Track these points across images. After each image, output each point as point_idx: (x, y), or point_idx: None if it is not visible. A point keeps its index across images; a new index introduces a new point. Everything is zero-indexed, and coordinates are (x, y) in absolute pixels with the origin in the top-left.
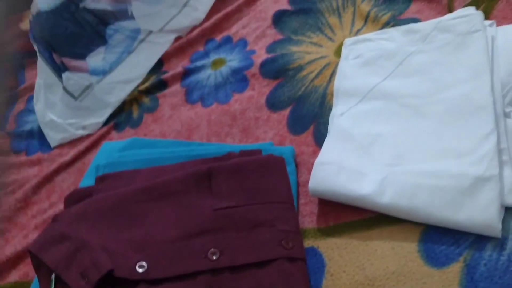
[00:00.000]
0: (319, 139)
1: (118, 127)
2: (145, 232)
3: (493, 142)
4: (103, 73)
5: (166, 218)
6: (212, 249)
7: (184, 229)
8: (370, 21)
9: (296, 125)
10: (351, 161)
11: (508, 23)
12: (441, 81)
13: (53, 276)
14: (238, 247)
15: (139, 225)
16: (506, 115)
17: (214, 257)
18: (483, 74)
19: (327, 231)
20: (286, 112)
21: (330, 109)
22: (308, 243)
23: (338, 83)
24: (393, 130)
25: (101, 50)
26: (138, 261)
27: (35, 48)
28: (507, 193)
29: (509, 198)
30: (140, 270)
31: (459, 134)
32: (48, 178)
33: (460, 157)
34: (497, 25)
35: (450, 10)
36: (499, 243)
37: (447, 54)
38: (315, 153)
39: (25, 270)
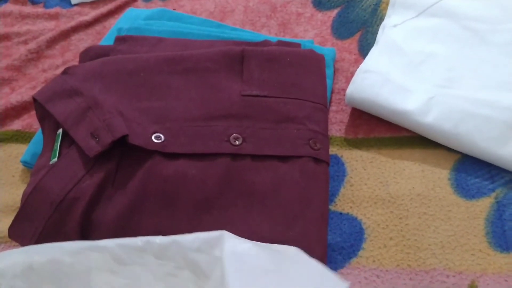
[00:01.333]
0: (365, 48)
1: None
2: (166, 105)
3: None
4: None
5: (189, 94)
6: (235, 135)
7: (208, 109)
8: None
9: (342, 29)
10: (397, 75)
11: None
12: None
13: (59, 131)
14: (263, 138)
15: (159, 97)
16: None
17: (237, 142)
18: None
19: (354, 142)
20: (333, 13)
21: (382, 19)
22: (332, 150)
23: None
24: (450, 52)
25: None
26: (155, 132)
27: None
28: None
29: None
30: (157, 141)
31: None
32: (65, 34)
33: None
34: None
35: None
36: None
37: None
38: (357, 62)
39: (29, 121)
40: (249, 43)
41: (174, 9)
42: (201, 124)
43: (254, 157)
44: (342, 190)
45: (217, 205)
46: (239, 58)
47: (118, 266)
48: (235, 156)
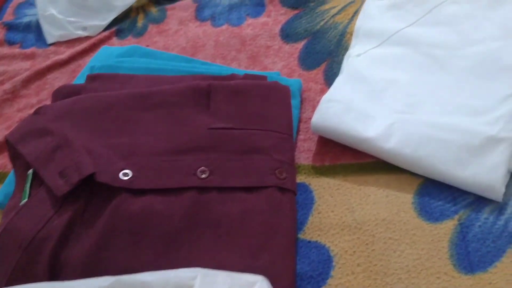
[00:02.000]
0: (330, 78)
1: (120, 33)
2: (134, 141)
3: None
4: None
5: (157, 129)
6: (202, 168)
7: (175, 144)
8: None
9: (308, 60)
10: (360, 103)
11: None
12: (470, 35)
13: (30, 171)
14: (229, 169)
15: (128, 132)
16: None
17: (203, 176)
18: None
19: (321, 170)
20: (300, 45)
21: (346, 49)
22: (300, 178)
23: (361, 22)
24: (410, 78)
25: None
26: (123, 168)
27: None
28: None
29: None
30: (124, 178)
31: (478, 92)
32: (40, 74)
33: (475, 115)
34: None
35: None
36: (498, 207)
37: (480, 8)
38: (323, 92)
39: (4, 161)
40: (216, 77)
41: (147, 46)
42: (168, 159)
43: (220, 189)
44: (310, 218)
45: (184, 239)
46: (206, 92)
47: None
48: (201, 189)
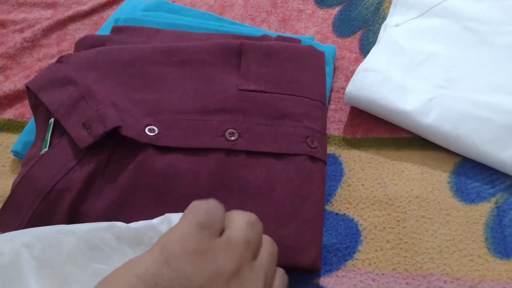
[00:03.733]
0: (366, 47)
1: None
2: (160, 97)
3: None
4: None
5: (184, 87)
6: (230, 130)
7: (203, 103)
8: None
9: (343, 27)
10: (398, 75)
11: None
12: None
13: (51, 120)
14: (259, 134)
15: (154, 88)
16: None
17: (232, 138)
18: None
19: (352, 142)
20: (335, 10)
21: (384, 18)
22: (330, 149)
23: None
24: (451, 53)
25: None
26: (149, 124)
27: None
28: None
29: None
30: (150, 134)
31: None
32: (61, 24)
33: None
34: None
35: None
36: None
37: None
38: (358, 61)
39: (22, 110)
40: (248, 37)
41: (173, 1)
42: (195, 118)
43: (248, 153)
44: (339, 190)
45: None
46: (237, 51)
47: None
48: (229, 151)
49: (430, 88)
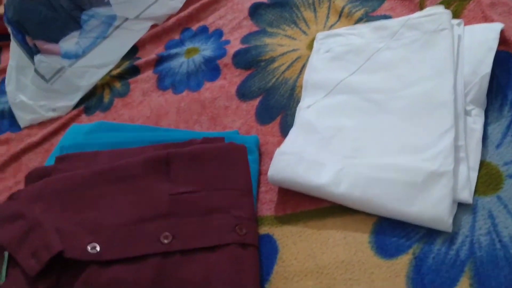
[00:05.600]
0: (285, 130)
1: (88, 110)
2: (99, 215)
3: (450, 138)
4: (76, 56)
5: (121, 201)
6: (165, 233)
7: (138, 213)
8: (344, 17)
9: (264, 116)
10: (311, 152)
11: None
12: (406, 78)
13: (6, 253)
14: (191, 232)
15: (93, 207)
16: (466, 113)
17: (166, 241)
18: (446, 72)
19: (283, 219)
20: (255, 102)
21: (298, 101)
22: (264, 230)
23: (308, 75)
24: (355, 124)
25: (75, 34)
26: (90, 242)
27: (9, 31)
28: (460, 189)
29: (462, 194)
30: (92, 252)
31: (418, 131)
32: (15, 157)
33: (417, 152)
34: (466, 25)
35: (422, 8)
36: (449, 237)
37: (414, 51)
38: (280, 144)
39: None
40: (177, 144)
41: (114, 119)
42: (132, 228)
43: (183, 252)
44: (275, 268)
45: None
46: (165, 161)
47: None
48: (165, 254)
49: (339, 159)
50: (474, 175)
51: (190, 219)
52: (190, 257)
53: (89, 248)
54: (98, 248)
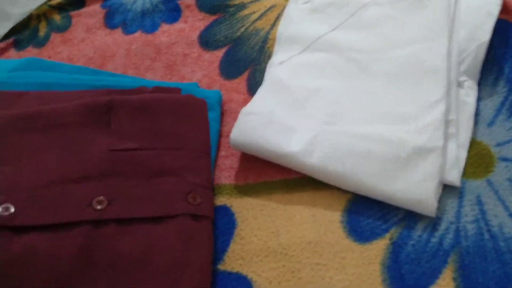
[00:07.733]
0: (253, 87)
1: (19, 44)
2: (18, 170)
3: (441, 111)
4: None
5: (46, 155)
6: (99, 197)
7: (68, 171)
8: None
9: (230, 69)
10: (282, 115)
11: None
12: (393, 38)
13: None
14: (133, 197)
15: (12, 160)
16: (459, 84)
17: (99, 207)
18: (440, 35)
19: (244, 189)
20: (220, 53)
21: (269, 56)
22: (221, 200)
23: (283, 27)
24: (333, 86)
25: None
26: (3, 202)
27: None
28: (448, 168)
29: (450, 174)
30: (3, 214)
31: (404, 98)
32: None
33: (402, 123)
34: None
35: None
36: (432, 223)
37: (403, 9)
38: (246, 102)
39: None
40: (123, 91)
41: (49, 57)
42: (58, 189)
43: (120, 221)
44: (231, 245)
45: (75, 285)
46: (107, 109)
47: None
48: (97, 223)
49: (313, 125)
50: (463, 154)
51: (132, 182)
52: (129, 228)
53: (0, 209)
54: (12, 210)
